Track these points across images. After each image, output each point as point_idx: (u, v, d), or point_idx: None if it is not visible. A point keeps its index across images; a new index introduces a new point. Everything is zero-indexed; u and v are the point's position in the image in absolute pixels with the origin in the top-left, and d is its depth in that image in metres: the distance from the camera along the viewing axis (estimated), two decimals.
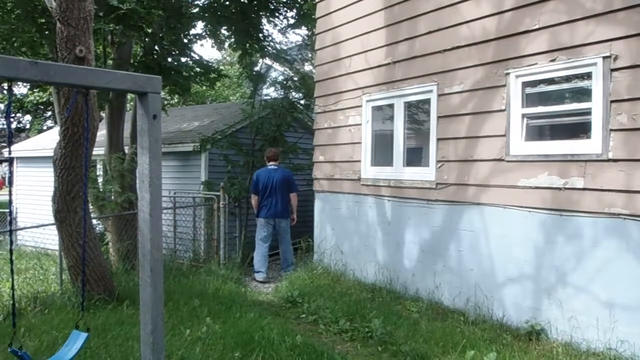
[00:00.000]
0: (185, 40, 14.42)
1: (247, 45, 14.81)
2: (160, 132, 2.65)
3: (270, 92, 15.05)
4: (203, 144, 12.94)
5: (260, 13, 14.94)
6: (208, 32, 15.06)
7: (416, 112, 8.14)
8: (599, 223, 5.52)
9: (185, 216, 12.81)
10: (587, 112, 5.68)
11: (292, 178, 10.11)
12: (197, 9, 14.30)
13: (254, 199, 10.08)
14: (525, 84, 6.31)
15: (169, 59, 13.61)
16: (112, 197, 12.18)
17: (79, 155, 6.51)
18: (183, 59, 14.16)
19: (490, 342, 5.63)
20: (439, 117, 7.30)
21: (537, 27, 6.14)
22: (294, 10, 15.69)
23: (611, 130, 5.42)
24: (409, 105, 8.05)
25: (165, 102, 17.28)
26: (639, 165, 5.21)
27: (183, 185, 13.93)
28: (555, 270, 5.91)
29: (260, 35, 15.07)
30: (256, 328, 5.78)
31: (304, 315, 6.99)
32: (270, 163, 10.01)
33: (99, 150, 12.98)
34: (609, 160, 5.42)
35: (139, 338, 2.76)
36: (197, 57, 14.33)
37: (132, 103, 14.87)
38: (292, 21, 16.06)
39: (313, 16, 10.88)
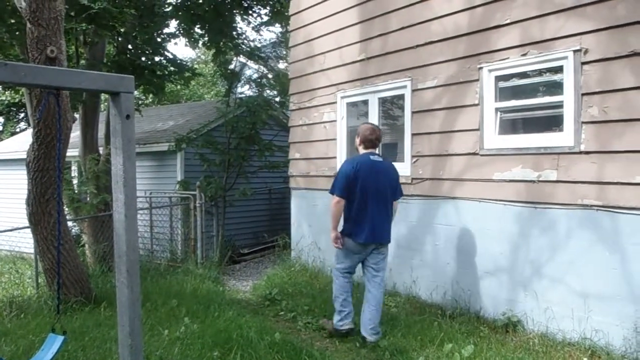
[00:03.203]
0: (159, 39, 14.33)
1: (221, 43, 14.77)
2: (134, 132, 2.63)
3: (245, 90, 15.01)
4: (178, 144, 12.86)
5: (234, 11, 14.90)
6: (182, 31, 14.99)
7: (390, 107, 8.14)
8: (572, 215, 5.56)
9: (162, 216, 12.73)
10: (559, 106, 5.72)
11: (399, 176, 6.07)
12: (170, 8, 14.20)
13: (337, 205, 5.68)
14: (498, 78, 6.34)
15: (143, 58, 13.52)
16: (88, 199, 12.07)
17: (52, 157, 6.41)
18: (157, 58, 14.07)
19: (468, 335, 5.65)
20: (413, 113, 7.30)
21: (508, 21, 6.16)
22: (268, 8, 15.67)
23: (583, 122, 5.46)
24: (383, 101, 8.05)
25: (140, 102, 17.18)
26: (610, 157, 5.26)
27: (159, 185, 13.85)
28: (530, 262, 5.94)
29: (234, 33, 15.04)
30: (234, 326, 5.72)
31: (282, 313, 6.96)
32: (369, 150, 5.88)
33: (73, 152, 12.85)
34: (581, 152, 5.46)
35: (117, 340, 2.73)
36: (171, 56, 14.23)
37: (106, 103, 14.74)
38: (265, 19, 16.03)
39: (286, 13, 10.84)
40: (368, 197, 5.61)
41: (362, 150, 5.90)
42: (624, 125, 5.16)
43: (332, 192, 5.74)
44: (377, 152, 5.96)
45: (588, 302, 5.41)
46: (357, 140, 5.98)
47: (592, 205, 5.39)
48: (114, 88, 2.53)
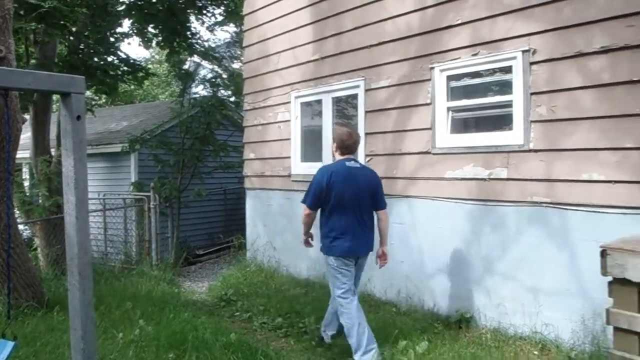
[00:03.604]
0: (112, 39, 14.10)
1: (175, 43, 14.60)
2: (85, 133, 2.56)
3: (199, 90, 14.89)
4: (132, 144, 12.69)
5: (188, 10, 14.74)
6: (135, 30, 14.75)
7: (344, 107, 8.13)
8: (523, 212, 5.64)
9: (116, 218, 12.54)
10: (509, 105, 5.78)
11: (381, 183, 5.58)
12: (123, 7, 13.95)
13: (308, 217, 5.43)
14: (450, 78, 6.38)
15: (95, 58, 13.25)
16: (40, 201, 11.80)
17: (1, 159, 6.23)
18: (109, 58, 13.82)
19: (422, 332, 5.66)
20: (366, 112, 7.31)
21: (459, 22, 6.21)
22: (222, 8, 15.56)
23: (532, 121, 5.53)
24: (337, 101, 8.04)
25: (93, 102, 16.83)
26: (558, 155, 5.34)
27: (113, 186, 13.66)
28: (482, 259, 6.00)
29: (188, 33, 14.88)
30: (190, 328, 5.63)
31: (238, 313, 6.91)
32: (346, 156, 5.42)
33: (24, 154, 12.56)
34: (530, 150, 5.54)
35: (70, 344, 2.65)
36: (124, 56, 14.00)
37: (58, 104, 14.44)
38: (220, 18, 15.91)
39: (241, 13, 10.77)
40: (345, 207, 5.17)
41: (338, 157, 5.44)
42: (571, 124, 5.24)
43: (303, 201, 5.38)
44: (354, 157, 5.49)
45: (538, 297, 5.48)
46: (334, 146, 5.52)
47: (541, 203, 5.47)
48: (64, 88, 2.46)
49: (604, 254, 3.80)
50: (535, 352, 5.17)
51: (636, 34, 4.80)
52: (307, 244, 5.70)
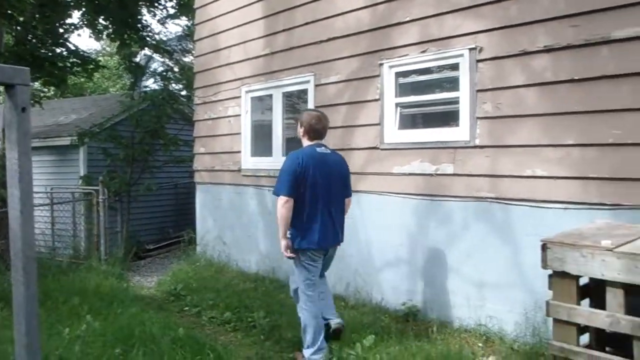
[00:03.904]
0: (61, 30, 13.78)
1: (126, 35, 14.34)
2: (30, 126, 2.47)
3: (150, 83, 14.70)
4: (81, 138, 12.48)
5: (140, 2, 14.51)
6: (85, 22, 14.44)
7: (295, 102, 8.08)
8: (468, 207, 5.68)
9: (64, 212, 12.26)
10: (456, 101, 5.81)
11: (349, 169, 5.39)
12: None
13: (286, 206, 4.73)
14: (398, 74, 6.38)
15: (43, 50, 12.94)
16: None
17: None
18: (58, 50, 13.51)
19: (370, 325, 5.64)
20: (316, 107, 7.26)
21: (408, 19, 6.21)
22: (174, 0, 15.35)
23: (477, 118, 5.57)
24: (287, 96, 7.99)
25: (41, 95, 16.40)
26: (503, 152, 5.39)
27: (61, 180, 13.35)
28: (429, 254, 6.02)
29: (139, 25, 14.64)
30: (137, 323, 5.53)
31: (187, 308, 6.83)
32: (315, 141, 5.05)
33: None
34: (475, 146, 5.58)
35: (14, 340, 2.58)
36: (74, 48, 13.70)
37: (2, 96, 14.06)
38: (172, 11, 15.70)
39: (193, 6, 10.63)
40: (319, 195, 4.81)
41: (306, 142, 5.03)
42: (515, 120, 5.30)
43: (277, 193, 4.79)
44: (323, 143, 5.11)
45: (483, 290, 5.53)
46: (301, 131, 5.06)
47: (486, 198, 5.52)
48: (8, 80, 2.37)
49: (544, 247, 3.84)
50: (480, 344, 5.22)
51: (579, 34, 4.87)
52: (288, 251, 4.87)
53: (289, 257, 4.92)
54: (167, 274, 8.81)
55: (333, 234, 4.99)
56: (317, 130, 5.02)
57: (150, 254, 12.30)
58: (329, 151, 5.05)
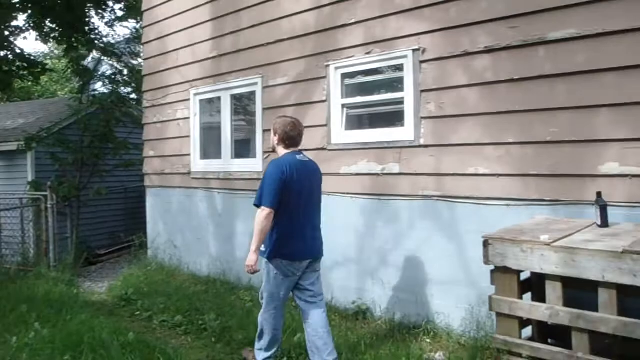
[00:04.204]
0: (6, 33, 13.44)
1: (74, 38, 14.08)
2: None
3: (99, 87, 14.43)
4: (28, 143, 12.15)
5: (88, 5, 14.26)
6: (32, 25, 14.11)
7: (243, 104, 8.02)
8: (414, 205, 5.71)
9: (12, 219, 11.90)
10: (401, 102, 5.83)
11: None
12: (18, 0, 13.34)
13: (268, 218, 4.34)
14: (344, 76, 6.39)
15: None
16: None
17: None
18: (3, 53, 13.18)
19: None
20: (264, 109, 7.24)
21: (353, 21, 6.22)
22: (122, 3, 15.13)
23: (422, 118, 5.61)
24: (235, 98, 7.92)
25: None
26: (447, 151, 5.43)
27: (9, 186, 12.98)
28: (377, 252, 6.04)
29: (87, 28, 14.38)
30: (87, 329, 5.43)
31: (138, 313, 6.71)
32: (292, 149, 4.69)
33: None
34: (420, 146, 5.61)
35: None
36: (19, 51, 13.39)
37: None
38: (120, 14, 15.48)
39: (141, 9, 10.48)
40: (301, 205, 4.52)
41: (282, 151, 4.68)
42: (458, 120, 5.35)
43: (259, 203, 4.41)
44: (301, 150, 4.76)
45: (430, 287, 5.56)
46: (275, 139, 4.71)
47: (431, 196, 5.56)
48: None
49: (486, 244, 3.90)
50: (428, 340, 5.25)
51: (517, 35, 4.95)
52: (252, 267, 4.48)
53: (251, 272, 4.51)
54: (118, 279, 8.66)
55: (316, 244, 4.71)
56: (292, 138, 4.67)
57: (102, 259, 12.08)
58: (307, 159, 4.74)
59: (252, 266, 4.44)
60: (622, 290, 3.30)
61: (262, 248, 4.48)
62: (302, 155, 4.68)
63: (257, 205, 4.43)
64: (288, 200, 4.41)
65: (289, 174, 4.41)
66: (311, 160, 4.77)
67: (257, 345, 4.76)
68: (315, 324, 4.58)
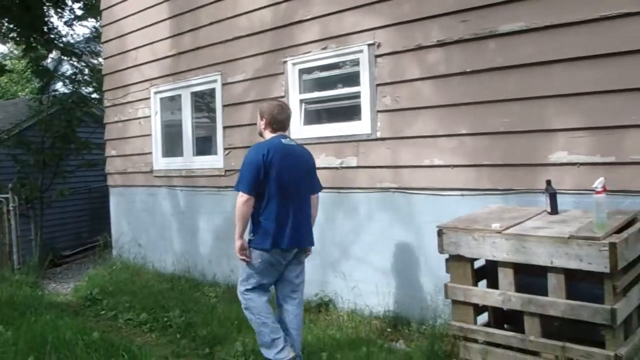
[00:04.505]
0: None
1: (32, 38, 13.79)
2: None
3: (60, 87, 14.21)
4: None
5: (46, 4, 13.99)
6: None
7: (203, 101, 7.96)
8: (373, 198, 5.73)
9: None
10: (357, 96, 5.85)
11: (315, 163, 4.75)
12: None
13: (246, 204, 4.18)
14: (302, 71, 6.39)
15: None
16: None
17: None
18: None
19: None
20: (224, 106, 7.20)
21: (309, 17, 6.21)
22: (81, 2, 14.89)
23: (378, 111, 5.63)
24: (196, 95, 7.87)
25: None
26: (403, 143, 5.47)
27: None
28: (338, 245, 6.06)
29: (46, 27, 14.11)
30: (51, 330, 5.34)
31: (103, 312, 6.63)
32: (278, 133, 4.45)
33: None
34: (377, 139, 5.63)
35: None
36: None
37: None
38: (79, 13, 15.23)
39: (99, 8, 10.34)
40: (285, 191, 4.25)
41: (269, 135, 4.43)
42: (413, 113, 5.38)
43: (238, 188, 4.24)
44: (287, 134, 4.58)
45: (390, 277, 5.60)
46: (262, 123, 4.48)
47: (389, 188, 5.59)
48: None
49: (440, 233, 3.94)
50: (389, 330, 5.30)
51: (468, 29, 4.99)
52: (243, 252, 4.28)
53: (243, 260, 4.31)
54: (83, 280, 8.57)
55: (303, 233, 4.39)
56: (280, 121, 4.45)
57: (67, 260, 11.97)
58: (294, 143, 4.53)
59: (243, 252, 4.26)
60: (570, 275, 3.36)
61: (250, 236, 4.31)
62: (288, 139, 4.46)
63: (236, 190, 4.27)
64: (270, 186, 4.20)
65: (269, 158, 4.18)
66: (299, 145, 4.56)
67: (262, 347, 4.38)
68: (290, 322, 4.41)
